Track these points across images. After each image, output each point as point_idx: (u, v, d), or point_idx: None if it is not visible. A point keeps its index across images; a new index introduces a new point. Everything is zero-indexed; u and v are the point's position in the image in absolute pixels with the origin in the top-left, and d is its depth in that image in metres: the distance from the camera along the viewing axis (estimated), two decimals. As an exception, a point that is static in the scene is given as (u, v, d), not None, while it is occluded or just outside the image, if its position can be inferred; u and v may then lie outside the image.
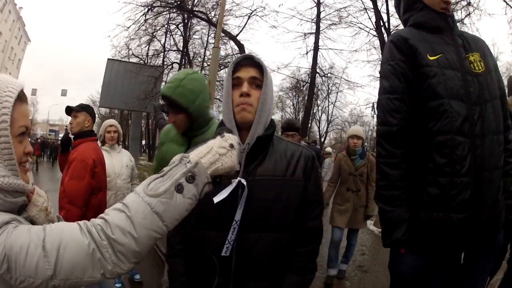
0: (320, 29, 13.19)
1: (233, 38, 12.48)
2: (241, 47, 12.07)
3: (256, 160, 1.21)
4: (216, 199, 1.09)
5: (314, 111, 23.03)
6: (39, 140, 27.22)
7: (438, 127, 1.39)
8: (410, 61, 1.45)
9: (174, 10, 13.60)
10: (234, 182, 1.13)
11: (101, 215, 0.80)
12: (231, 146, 0.94)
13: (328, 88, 18.67)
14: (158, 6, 12.85)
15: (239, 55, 12.10)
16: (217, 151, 0.91)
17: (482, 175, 1.40)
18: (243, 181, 1.14)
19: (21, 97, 0.86)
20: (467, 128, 1.38)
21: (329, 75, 15.92)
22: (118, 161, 3.59)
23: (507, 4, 9.33)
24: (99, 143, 3.58)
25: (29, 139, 0.95)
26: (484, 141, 1.41)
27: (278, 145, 1.28)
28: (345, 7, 11.82)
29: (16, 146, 0.84)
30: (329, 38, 13.67)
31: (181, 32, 15.83)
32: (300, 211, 1.24)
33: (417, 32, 1.50)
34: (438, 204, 1.40)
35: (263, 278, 1.19)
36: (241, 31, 12.97)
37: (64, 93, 35.33)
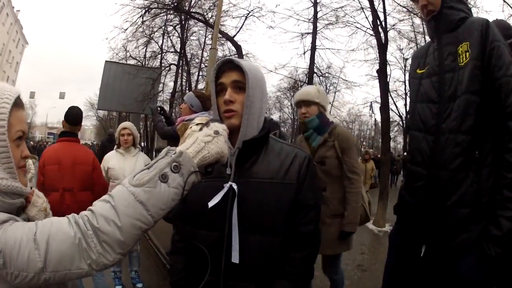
0: (317, 29, 13.18)
1: (230, 39, 12.45)
2: (238, 48, 12.04)
3: (247, 162, 1.21)
4: (210, 203, 1.12)
5: (313, 111, 22.94)
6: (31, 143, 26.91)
7: (410, 124, 1.74)
8: None
9: (171, 12, 13.57)
10: (226, 187, 1.15)
11: (90, 207, 0.83)
12: (216, 132, 0.95)
13: (326, 87, 18.60)
14: (155, 8, 12.82)
15: (236, 56, 12.13)
16: (202, 140, 0.93)
17: (432, 170, 1.51)
18: (234, 186, 1.15)
19: (17, 103, 0.90)
20: (431, 125, 1.53)
21: (326, 75, 15.90)
22: (130, 165, 3.54)
23: (505, 1, 9.34)
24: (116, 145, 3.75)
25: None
26: (442, 139, 1.46)
27: (273, 146, 1.27)
28: (342, 6, 11.82)
29: (13, 150, 0.88)
30: (326, 38, 13.76)
31: (179, 34, 15.79)
32: (292, 215, 1.22)
33: (427, 45, 1.71)
34: (404, 184, 1.76)
35: (251, 280, 1.19)
36: (238, 32, 12.96)
37: (62, 96, 35.37)
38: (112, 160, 3.61)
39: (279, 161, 1.23)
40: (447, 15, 1.52)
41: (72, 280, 0.82)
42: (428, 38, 1.77)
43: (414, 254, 1.63)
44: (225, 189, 1.15)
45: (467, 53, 1.43)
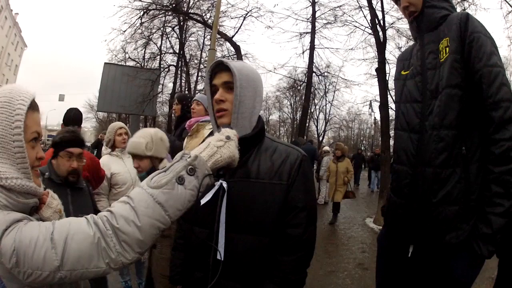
0: (316, 29, 13.24)
1: (229, 39, 12.46)
2: (237, 48, 12.06)
3: (238, 162, 1.20)
4: (203, 201, 1.12)
5: (312, 111, 23.06)
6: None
7: (395, 124, 1.71)
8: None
9: (170, 13, 13.59)
10: (217, 185, 1.16)
11: (108, 208, 0.86)
12: (228, 138, 1.00)
13: (325, 87, 18.63)
14: (153, 9, 12.82)
15: (235, 56, 12.13)
16: (215, 144, 0.97)
17: (418, 168, 1.49)
18: (224, 184, 1.16)
19: (33, 106, 0.93)
20: (415, 124, 1.53)
21: (325, 74, 15.94)
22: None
23: (503, -2, 9.35)
24: (104, 149, 3.42)
25: None
26: (426, 136, 1.45)
27: (267, 146, 1.27)
28: (340, 5, 11.81)
29: (29, 151, 0.91)
30: (325, 37, 13.78)
31: (177, 35, 15.83)
32: (281, 216, 1.20)
33: (411, 47, 1.71)
34: (390, 185, 1.72)
35: (237, 280, 1.19)
36: (236, 32, 12.96)
37: (61, 98, 35.25)
38: (114, 165, 3.23)
39: (270, 161, 1.22)
40: (429, 14, 1.51)
41: (89, 278, 0.85)
42: None
43: (402, 255, 1.63)
44: (216, 187, 1.15)
45: (447, 48, 1.42)
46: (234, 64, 1.20)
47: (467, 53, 1.38)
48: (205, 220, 1.20)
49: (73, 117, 2.94)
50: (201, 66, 16.43)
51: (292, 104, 27.74)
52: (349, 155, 14.66)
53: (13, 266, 0.75)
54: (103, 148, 3.40)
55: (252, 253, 1.18)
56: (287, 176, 1.20)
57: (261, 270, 1.20)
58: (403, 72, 1.67)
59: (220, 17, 9.75)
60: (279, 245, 1.20)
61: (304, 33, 13.48)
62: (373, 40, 10.26)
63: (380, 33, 9.07)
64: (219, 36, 11.46)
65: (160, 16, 13.88)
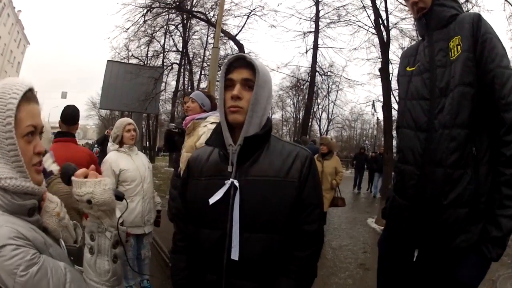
0: (319, 28, 13.18)
1: (233, 38, 12.47)
2: (240, 46, 12.06)
3: (248, 160, 1.21)
4: (211, 200, 1.14)
5: (315, 110, 23.04)
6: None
7: (398, 122, 1.67)
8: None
9: (173, 11, 13.60)
10: (227, 183, 1.16)
11: None
12: (89, 202, 0.91)
13: (328, 86, 18.69)
14: (157, 7, 12.84)
15: (238, 55, 12.06)
16: (97, 215, 0.94)
17: (426, 168, 1.44)
18: (236, 182, 1.16)
19: (28, 97, 0.87)
20: (422, 122, 1.48)
21: (329, 73, 15.93)
22: (140, 164, 3.23)
23: (506, 0, 9.33)
24: (111, 144, 3.32)
25: None
26: (436, 135, 1.41)
27: (274, 145, 1.27)
28: (344, 5, 11.77)
29: (24, 146, 0.85)
30: (329, 37, 13.69)
31: (181, 33, 15.87)
32: (295, 214, 1.21)
33: (416, 44, 1.69)
34: (394, 186, 1.66)
35: (253, 279, 1.18)
36: (240, 31, 12.98)
37: (64, 95, 35.23)
38: (122, 161, 3.15)
39: (281, 160, 1.22)
40: (438, 12, 1.49)
41: None
42: None
43: (406, 259, 1.59)
44: (226, 186, 1.15)
45: (459, 46, 1.40)
46: (256, 62, 1.19)
47: (479, 52, 1.36)
48: (216, 221, 1.19)
49: (71, 115, 2.93)
50: (204, 64, 16.47)
51: (295, 103, 27.79)
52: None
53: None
54: (109, 144, 3.34)
55: (267, 251, 1.18)
56: (298, 174, 1.20)
57: (276, 267, 1.20)
58: (408, 69, 1.62)
59: (223, 16, 9.75)
60: (294, 241, 1.21)
61: (307, 32, 13.44)
62: (376, 40, 10.23)
63: (384, 33, 9.04)
64: (222, 35, 11.45)
65: (164, 14, 13.92)
